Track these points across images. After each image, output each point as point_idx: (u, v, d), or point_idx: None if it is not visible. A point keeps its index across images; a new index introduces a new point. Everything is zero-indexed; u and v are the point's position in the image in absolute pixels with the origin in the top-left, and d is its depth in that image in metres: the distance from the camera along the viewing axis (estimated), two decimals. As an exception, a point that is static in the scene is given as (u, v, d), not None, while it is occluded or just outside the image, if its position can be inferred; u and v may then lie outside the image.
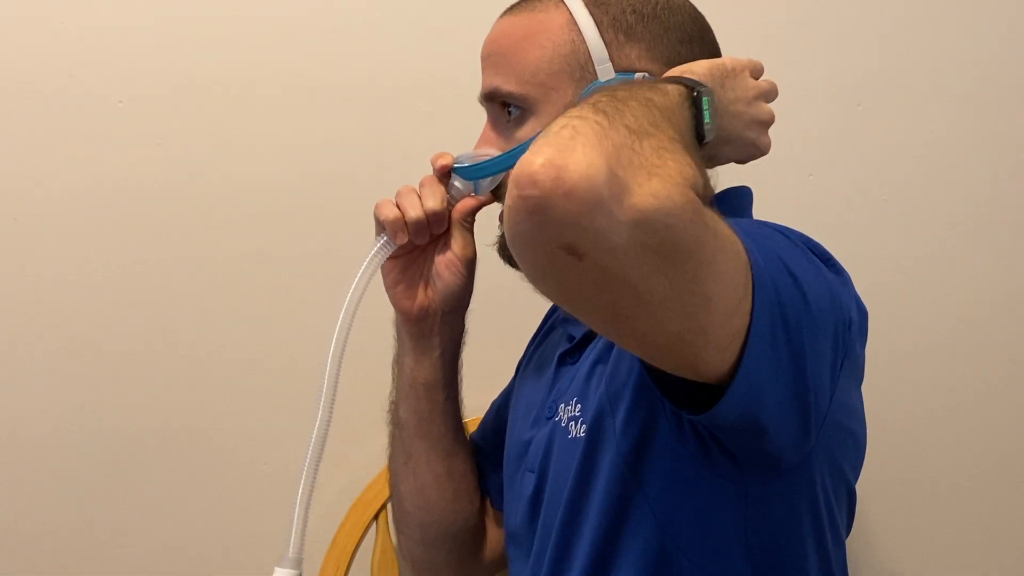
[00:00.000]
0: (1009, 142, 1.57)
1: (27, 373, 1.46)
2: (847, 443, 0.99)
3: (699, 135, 0.84)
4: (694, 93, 0.84)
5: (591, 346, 1.05)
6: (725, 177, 1.09)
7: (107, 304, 1.47)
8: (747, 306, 0.79)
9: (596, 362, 1.01)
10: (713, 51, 1.07)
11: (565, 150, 0.69)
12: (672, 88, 0.83)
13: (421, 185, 1.10)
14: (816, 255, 0.95)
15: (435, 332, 1.15)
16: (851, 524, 1.06)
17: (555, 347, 1.13)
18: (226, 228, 1.48)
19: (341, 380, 1.50)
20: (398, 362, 1.19)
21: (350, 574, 1.44)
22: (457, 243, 1.11)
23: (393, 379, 1.20)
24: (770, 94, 1.02)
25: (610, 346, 1.00)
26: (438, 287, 1.13)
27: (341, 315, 1.04)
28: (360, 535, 1.45)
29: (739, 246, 0.79)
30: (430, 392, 1.17)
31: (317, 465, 1.03)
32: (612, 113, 0.73)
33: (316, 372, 1.50)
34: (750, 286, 0.79)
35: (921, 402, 1.58)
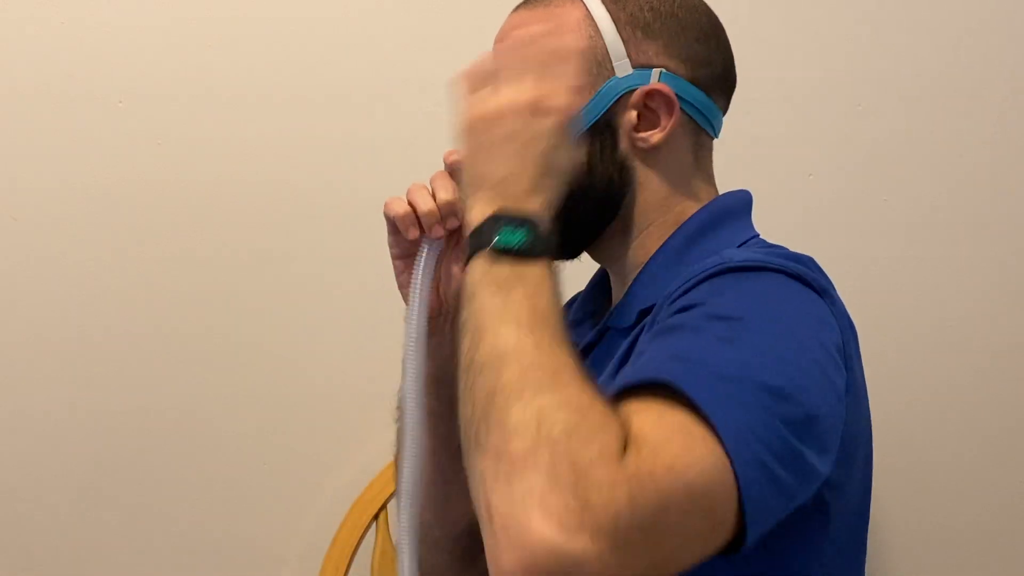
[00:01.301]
0: (1009, 142, 1.57)
1: (27, 373, 1.46)
2: (852, 472, 0.96)
3: (530, 252, 0.83)
4: (497, 244, 0.83)
5: (591, 357, 1.04)
6: (727, 179, 1.09)
7: (107, 304, 1.47)
8: (730, 514, 0.76)
9: (613, 376, 0.97)
10: (726, 50, 1.06)
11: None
12: (483, 290, 0.82)
13: (432, 180, 1.09)
14: (798, 278, 0.91)
15: (446, 330, 1.14)
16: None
17: None
18: (226, 228, 1.48)
19: (341, 381, 1.51)
20: None
21: (350, 574, 1.44)
22: None
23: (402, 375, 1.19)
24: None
25: (612, 374, 0.98)
26: (450, 286, 1.12)
27: (413, 343, 1.01)
28: (360, 535, 1.45)
29: (683, 477, 0.74)
30: (438, 389, 1.16)
31: (418, 504, 1.00)
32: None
33: (316, 372, 1.51)
34: (716, 491, 0.75)
35: (920, 401, 1.58)
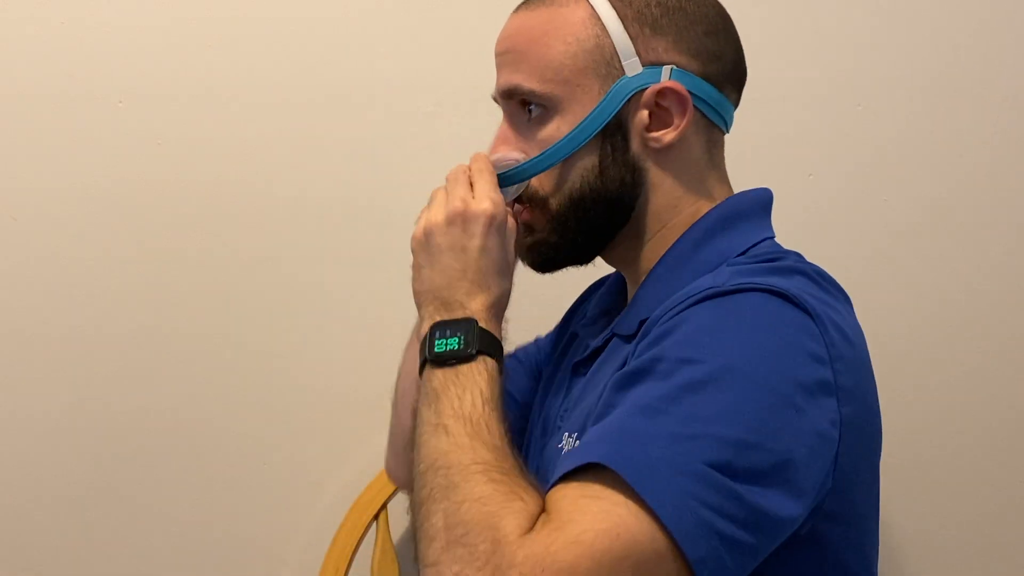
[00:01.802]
0: (1009, 142, 1.57)
1: (27, 374, 1.46)
2: (853, 500, 0.94)
3: (480, 353, 0.92)
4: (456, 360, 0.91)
5: (597, 363, 1.04)
6: (744, 178, 1.09)
7: (107, 304, 1.47)
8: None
9: (598, 399, 0.96)
10: (736, 42, 1.04)
11: None
12: (422, 401, 0.91)
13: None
14: (791, 299, 0.88)
15: None
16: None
17: (572, 356, 1.12)
18: (226, 228, 1.48)
19: (341, 381, 1.51)
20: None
21: (350, 574, 1.44)
22: None
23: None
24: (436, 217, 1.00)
25: (601, 382, 0.97)
26: None
27: None
28: (360, 535, 1.45)
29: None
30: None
31: None
32: None
33: (316, 373, 1.51)
34: (644, 556, 0.76)
35: (920, 400, 1.58)
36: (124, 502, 1.49)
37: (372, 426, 1.50)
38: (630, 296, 1.07)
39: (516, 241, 1.04)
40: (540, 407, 1.16)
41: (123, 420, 1.48)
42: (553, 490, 0.80)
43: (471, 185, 1.00)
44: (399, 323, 1.39)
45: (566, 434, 1.01)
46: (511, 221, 1.02)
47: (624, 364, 0.95)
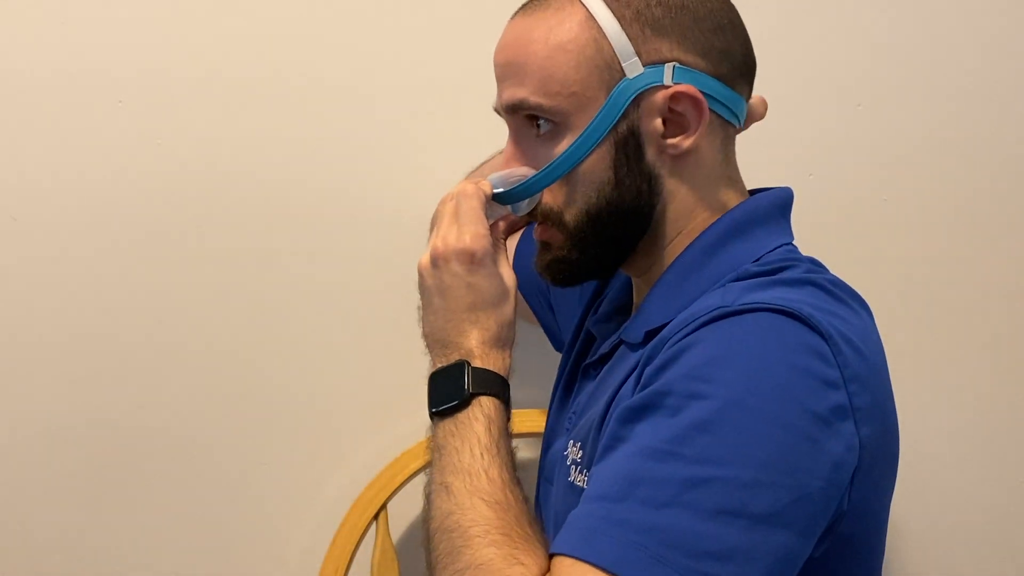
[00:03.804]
0: (1009, 141, 1.57)
1: (26, 374, 1.46)
2: (869, 522, 0.94)
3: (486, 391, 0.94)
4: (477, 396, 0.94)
5: (607, 365, 1.03)
6: (744, 178, 1.08)
7: (106, 304, 1.47)
8: None
9: (607, 407, 0.96)
10: (743, 34, 1.01)
11: None
12: (431, 459, 0.94)
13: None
14: (803, 320, 0.87)
15: None
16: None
17: (583, 356, 1.12)
18: (226, 228, 1.48)
19: (341, 381, 1.51)
20: None
21: (350, 574, 1.44)
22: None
23: None
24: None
25: (613, 394, 0.97)
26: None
27: None
28: (360, 535, 1.45)
29: None
30: None
31: None
32: None
33: (316, 372, 1.51)
34: None
35: (920, 402, 1.58)
36: (123, 502, 1.49)
37: (372, 426, 1.50)
38: (637, 299, 1.06)
39: (534, 259, 1.04)
40: (551, 405, 1.16)
41: (122, 420, 1.48)
42: (557, 561, 0.81)
43: (456, 217, 1.00)
44: (399, 323, 1.39)
45: (571, 442, 1.01)
46: (513, 233, 1.03)
47: (631, 372, 0.95)
